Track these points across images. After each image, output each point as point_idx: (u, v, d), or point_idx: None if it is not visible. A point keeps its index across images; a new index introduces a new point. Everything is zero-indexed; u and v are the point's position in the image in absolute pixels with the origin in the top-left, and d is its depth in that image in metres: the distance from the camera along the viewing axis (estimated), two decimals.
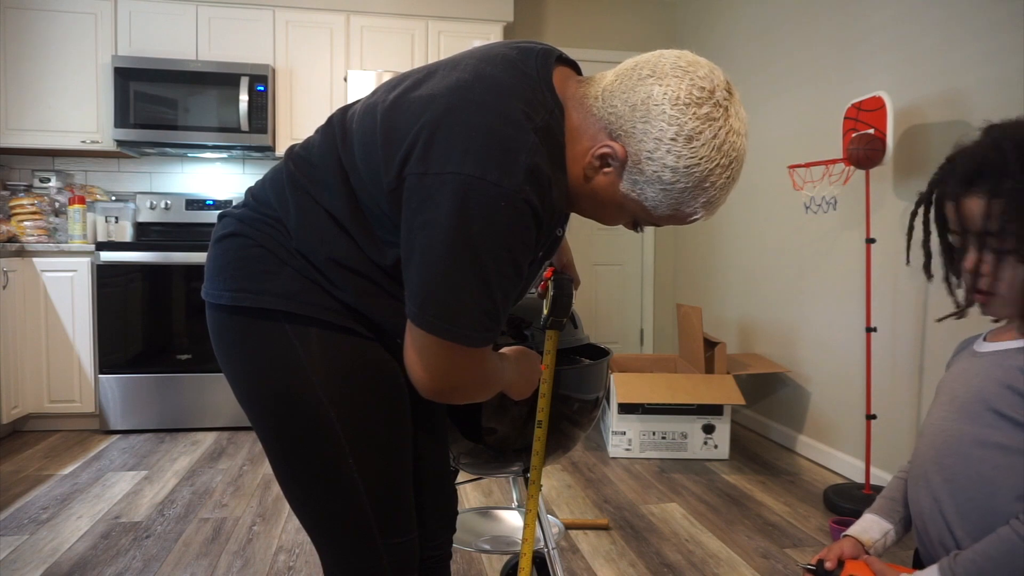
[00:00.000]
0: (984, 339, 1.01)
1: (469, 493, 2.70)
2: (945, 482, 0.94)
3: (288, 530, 2.37)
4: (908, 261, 1.04)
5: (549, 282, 1.21)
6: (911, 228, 1.04)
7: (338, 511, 0.99)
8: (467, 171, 0.82)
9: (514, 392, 1.13)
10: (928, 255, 1.03)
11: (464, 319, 0.86)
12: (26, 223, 3.59)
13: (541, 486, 1.44)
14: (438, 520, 1.18)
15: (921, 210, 1.03)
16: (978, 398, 0.93)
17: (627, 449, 3.17)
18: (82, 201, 3.70)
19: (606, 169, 0.91)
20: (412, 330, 0.89)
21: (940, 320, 1.07)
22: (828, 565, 1.00)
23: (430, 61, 3.46)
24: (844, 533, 1.07)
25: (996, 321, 1.00)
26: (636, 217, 0.97)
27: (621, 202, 0.93)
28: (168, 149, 3.85)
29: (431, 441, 1.16)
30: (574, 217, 4.59)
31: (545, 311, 1.21)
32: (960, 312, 0.99)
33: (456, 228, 0.82)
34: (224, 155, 4.08)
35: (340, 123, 0.98)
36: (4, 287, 3.23)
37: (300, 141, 1.05)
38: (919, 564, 1.04)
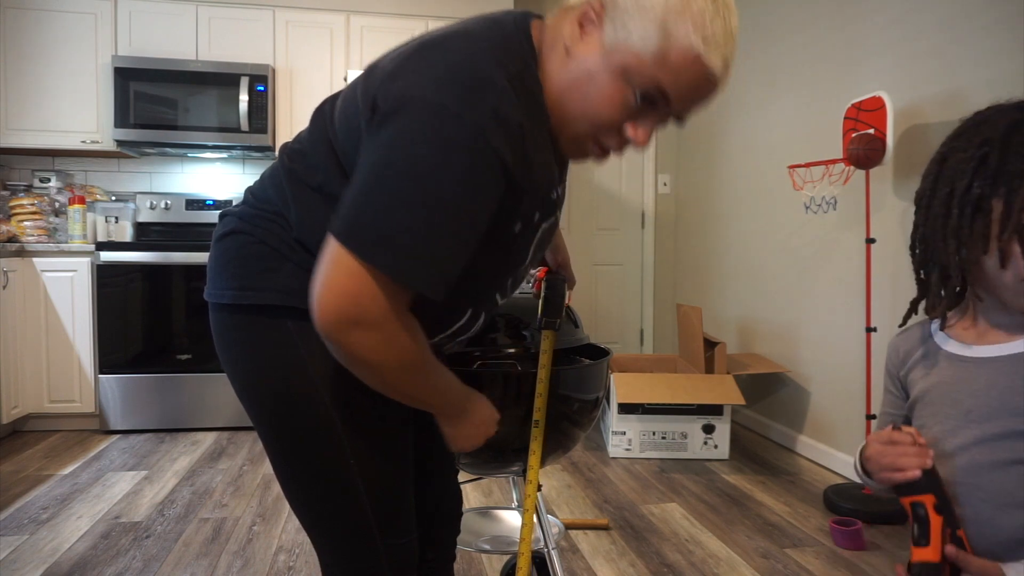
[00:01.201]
0: (948, 336, 0.93)
1: (469, 493, 2.70)
2: (991, 504, 0.87)
3: (288, 530, 2.37)
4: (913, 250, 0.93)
5: (542, 282, 1.22)
6: (945, 209, 0.88)
7: (338, 511, 0.98)
8: (428, 96, 0.78)
9: (454, 427, 1.00)
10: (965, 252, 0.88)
11: (391, 241, 0.77)
12: (26, 223, 3.59)
13: (541, 486, 1.44)
14: (443, 521, 1.17)
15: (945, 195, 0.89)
16: (1003, 412, 0.86)
17: (627, 449, 3.17)
18: (82, 201, 3.70)
19: (586, 33, 0.85)
20: (328, 243, 0.80)
21: (903, 327, 0.99)
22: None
23: None
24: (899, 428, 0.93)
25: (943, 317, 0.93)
26: (629, 74, 0.83)
27: (610, 64, 0.83)
28: (168, 149, 3.85)
29: (436, 441, 1.14)
30: (574, 217, 4.60)
31: (539, 312, 1.21)
32: (908, 312, 0.94)
33: (405, 147, 0.78)
34: (224, 155, 4.08)
35: (330, 109, 0.97)
36: (4, 287, 3.23)
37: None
38: None
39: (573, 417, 1.35)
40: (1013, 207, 0.83)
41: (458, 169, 0.77)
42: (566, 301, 1.24)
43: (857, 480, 2.85)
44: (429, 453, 1.14)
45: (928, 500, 0.86)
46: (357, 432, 0.97)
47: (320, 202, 0.92)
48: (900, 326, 1.00)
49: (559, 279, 1.22)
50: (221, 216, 1.03)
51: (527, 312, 1.33)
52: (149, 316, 3.51)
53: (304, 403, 0.95)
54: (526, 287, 1.36)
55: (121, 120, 3.65)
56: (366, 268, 0.77)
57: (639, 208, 4.69)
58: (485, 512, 1.78)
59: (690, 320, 3.39)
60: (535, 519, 1.49)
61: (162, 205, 4.00)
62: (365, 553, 0.99)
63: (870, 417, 2.53)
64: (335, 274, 0.78)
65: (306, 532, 1.03)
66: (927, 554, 0.85)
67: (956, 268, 0.89)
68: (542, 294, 1.21)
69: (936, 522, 0.85)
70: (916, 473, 0.86)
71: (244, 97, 3.72)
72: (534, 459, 1.23)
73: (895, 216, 2.67)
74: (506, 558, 1.90)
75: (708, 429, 3.15)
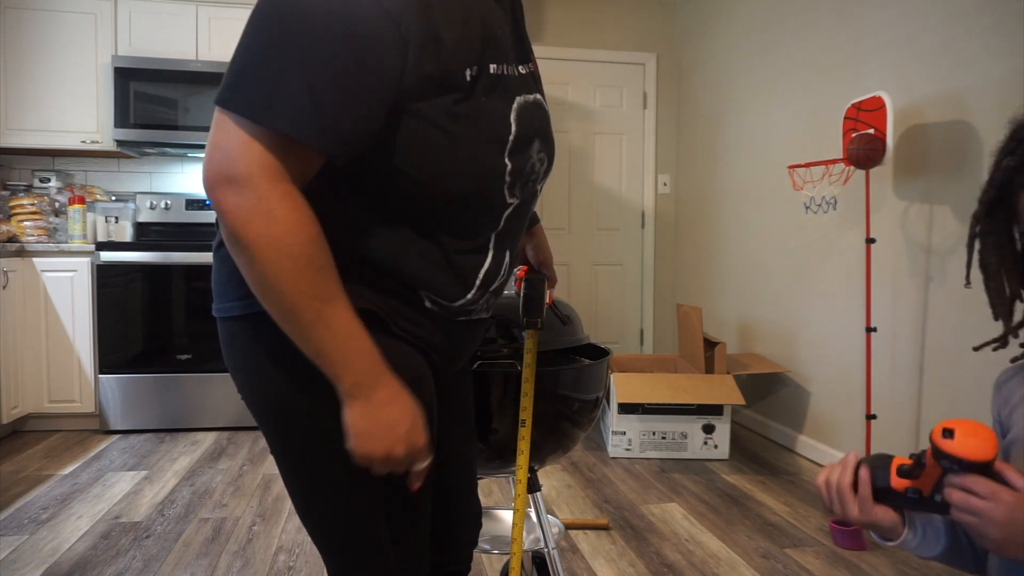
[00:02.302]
0: None
1: None
2: None
3: (288, 530, 2.37)
4: (968, 282, 0.84)
5: (522, 282, 1.22)
6: (974, 236, 0.80)
7: (343, 528, 0.93)
8: None
9: (355, 409, 0.82)
10: (992, 268, 0.80)
11: (249, 86, 0.74)
12: (26, 223, 3.59)
13: (541, 486, 1.44)
14: (464, 532, 1.14)
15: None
16: None
17: (627, 449, 3.17)
18: (82, 201, 3.70)
19: None
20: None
21: (979, 348, 0.87)
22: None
23: None
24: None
25: None
26: None
27: None
28: (168, 149, 3.85)
29: (458, 451, 1.11)
30: (574, 217, 4.60)
31: (520, 312, 1.22)
32: (1003, 340, 0.81)
33: (272, 4, 0.75)
34: None
35: None
36: (4, 287, 3.23)
37: None
38: None
39: (573, 417, 1.36)
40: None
41: (323, 14, 0.73)
42: (547, 300, 1.24)
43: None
44: (448, 465, 1.11)
45: (902, 460, 0.76)
46: None
47: None
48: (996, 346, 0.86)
49: (538, 278, 1.22)
50: (217, 222, 1.00)
51: (516, 313, 1.33)
52: (149, 316, 3.51)
53: (305, 415, 0.90)
54: (510, 288, 1.36)
55: (121, 120, 3.64)
56: (233, 118, 0.74)
57: (639, 208, 4.69)
58: (485, 512, 1.78)
59: (690, 320, 3.39)
60: (536, 519, 1.49)
61: (162, 205, 4.00)
62: (372, 571, 0.95)
63: (870, 417, 2.53)
64: (213, 133, 0.76)
65: (317, 548, 0.98)
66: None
67: (992, 299, 0.80)
68: (521, 294, 1.21)
69: (932, 465, 0.74)
70: (863, 490, 0.77)
71: None
72: (522, 459, 1.23)
73: (895, 216, 2.67)
74: (506, 558, 1.90)
75: (708, 429, 3.15)
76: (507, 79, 0.89)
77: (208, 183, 0.75)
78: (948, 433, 0.71)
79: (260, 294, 0.79)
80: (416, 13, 0.76)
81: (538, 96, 0.95)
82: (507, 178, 0.89)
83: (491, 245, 0.94)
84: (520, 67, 0.93)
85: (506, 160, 0.88)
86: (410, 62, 0.77)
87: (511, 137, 0.87)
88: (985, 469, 0.70)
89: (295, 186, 0.77)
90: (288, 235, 0.75)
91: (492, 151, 0.86)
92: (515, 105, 0.89)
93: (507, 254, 0.97)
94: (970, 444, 0.70)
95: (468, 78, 0.82)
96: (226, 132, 0.74)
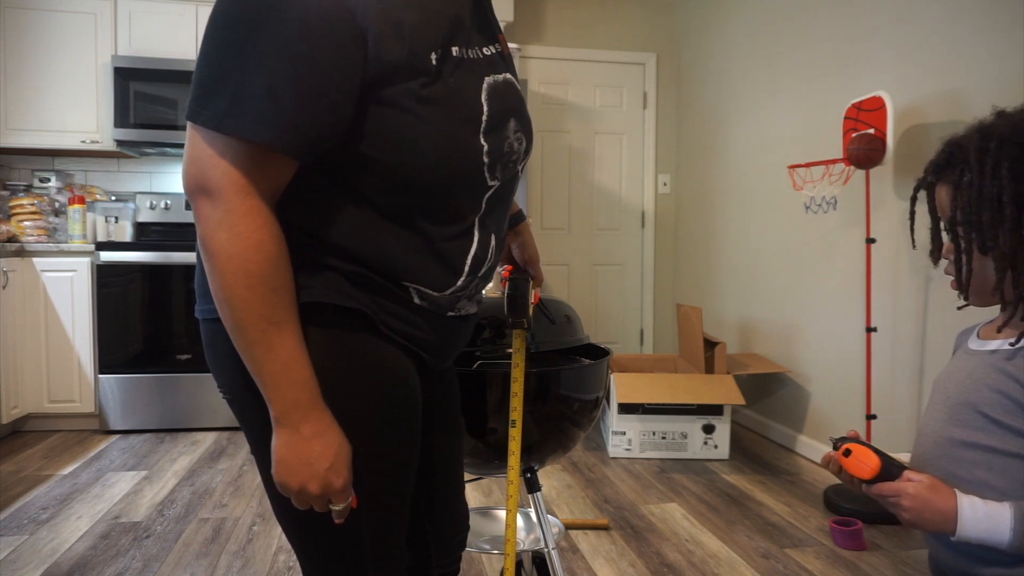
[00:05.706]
0: (978, 334, 1.01)
1: (469, 493, 2.70)
2: (944, 479, 0.95)
3: None
4: (913, 245, 1.10)
5: (507, 282, 1.22)
6: (911, 212, 1.07)
7: (317, 529, 0.90)
8: None
9: (281, 437, 0.81)
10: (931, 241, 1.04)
11: (212, 96, 0.75)
12: (26, 223, 3.59)
13: (540, 487, 1.44)
14: (452, 535, 1.14)
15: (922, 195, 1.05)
16: (967, 401, 0.94)
17: (627, 449, 3.17)
18: (82, 201, 3.70)
19: None
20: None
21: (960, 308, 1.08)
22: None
23: None
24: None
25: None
26: None
27: None
28: (168, 149, 3.85)
29: (445, 452, 1.10)
30: (574, 217, 4.60)
31: (505, 311, 1.21)
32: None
33: (226, 8, 0.76)
34: None
35: None
36: (4, 287, 3.23)
37: None
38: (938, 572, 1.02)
39: (573, 417, 1.36)
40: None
41: (277, 14, 0.73)
42: (532, 300, 1.23)
43: None
44: (435, 467, 1.11)
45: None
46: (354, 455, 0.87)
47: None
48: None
49: (522, 278, 1.21)
50: None
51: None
52: (149, 316, 3.51)
53: None
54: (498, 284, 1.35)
55: (121, 120, 3.64)
56: (202, 132, 0.75)
57: (639, 208, 4.69)
58: (485, 512, 1.78)
59: (690, 320, 3.39)
60: (536, 519, 1.49)
61: (162, 205, 4.00)
62: (347, 573, 0.93)
63: (870, 417, 2.53)
64: (187, 146, 0.78)
65: (293, 551, 0.96)
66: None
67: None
68: (505, 294, 1.21)
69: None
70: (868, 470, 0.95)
71: None
72: (513, 459, 1.23)
73: (895, 216, 2.67)
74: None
75: (708, 429, 3.15)
76: (472, 61, 0.88)
77: (187, 191, 0.78)
78: (848, 453, 0.97)
79: (217, 304, 0.79)
80: (373, 1, 0.76)
81: (508, 75, 0.94)
82: (485, 159, 0.88)
83: (476, 229, 0.93)
84: (485, 48, 0.92)
85: (482, 141, 0.87)
86: (370, 51, 0.77)
87: (484, 117, 0.87)
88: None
89: (265, 201, 0.78)
90: (248, 251, 0.76)
91: (466, 132, 0.86)
92: (484, 85, 0.89)
93: (493, 237, 0.96)
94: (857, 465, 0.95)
95: (433, 61, 0.82)
96: (197, 145, 0.76)
